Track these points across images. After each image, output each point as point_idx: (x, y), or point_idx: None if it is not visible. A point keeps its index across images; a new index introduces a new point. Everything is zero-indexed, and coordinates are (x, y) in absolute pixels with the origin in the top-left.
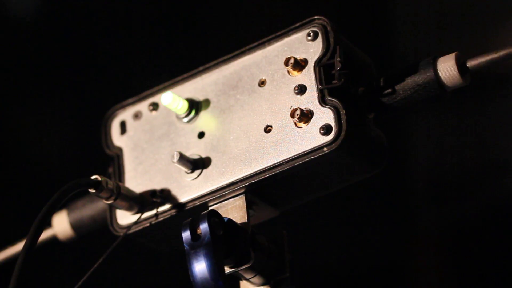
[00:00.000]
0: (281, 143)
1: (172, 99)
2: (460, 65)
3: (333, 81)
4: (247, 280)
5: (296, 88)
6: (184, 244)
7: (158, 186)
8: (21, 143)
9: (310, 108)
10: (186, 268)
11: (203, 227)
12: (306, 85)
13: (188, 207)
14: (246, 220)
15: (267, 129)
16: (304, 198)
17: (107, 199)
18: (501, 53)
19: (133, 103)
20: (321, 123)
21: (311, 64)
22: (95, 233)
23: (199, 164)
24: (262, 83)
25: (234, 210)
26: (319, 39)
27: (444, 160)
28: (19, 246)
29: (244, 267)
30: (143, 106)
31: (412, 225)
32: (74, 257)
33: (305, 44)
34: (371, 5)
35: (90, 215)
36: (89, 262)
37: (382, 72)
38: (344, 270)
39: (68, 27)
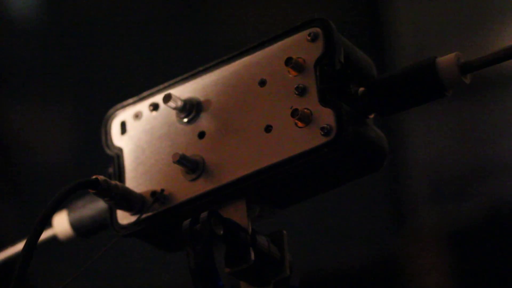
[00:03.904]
0: (281, 143)
1: (172, 99)
2: (460, 65)
3: (333, 81)
4: (247, 280)
5: (297, 88)
6: (184, 244)
7: (158, 187)
8: (21, 144)
9: (311, 108)
10: (186, 268)
11: (203, 227)
12: (307, 85)
13: (188, 208)
14: (246, 220)
15: (268, 129)
16: (304, 198)
17: (107, 199)
18: (501, 53)
19: (133, 103)
20: (322, 123)
21: (311, 64)
22: (95, 234)
23: (199, 164)
24: (262, 83)
25: (234, 210)
26: (320, 39)
27: (444, 160)
28: (19, 246)
29: (244, 267)
30: (143, 106)
31: (412, 225)
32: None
33: (306, 44)
34: (371, 5)
35: (90, 215)
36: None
37: (382, 73)
38: (344, 269)
39: (68, 27)
